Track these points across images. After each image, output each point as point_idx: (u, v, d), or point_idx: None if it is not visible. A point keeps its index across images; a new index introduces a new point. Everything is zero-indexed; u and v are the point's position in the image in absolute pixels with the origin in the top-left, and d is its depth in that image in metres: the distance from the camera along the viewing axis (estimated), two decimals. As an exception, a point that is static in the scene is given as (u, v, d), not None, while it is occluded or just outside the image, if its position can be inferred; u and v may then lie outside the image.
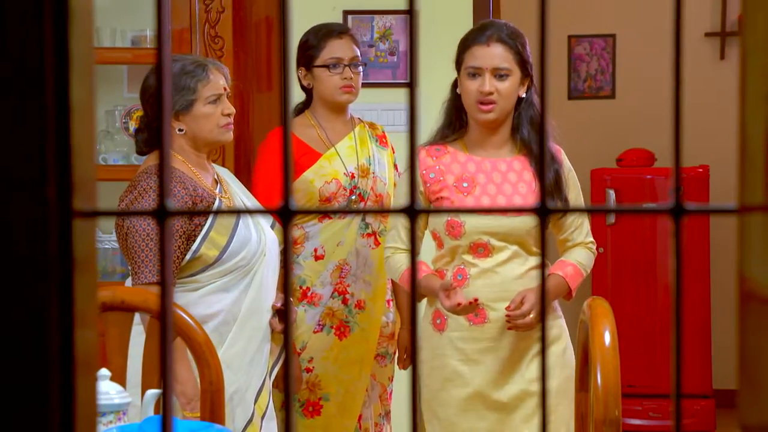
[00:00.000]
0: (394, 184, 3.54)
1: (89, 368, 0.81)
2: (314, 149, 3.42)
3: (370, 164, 3.46)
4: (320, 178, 3.40)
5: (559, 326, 3.07)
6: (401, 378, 3.62)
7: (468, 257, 3.00)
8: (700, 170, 5.60)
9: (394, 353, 3.52)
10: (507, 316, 2.92)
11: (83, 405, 0.80)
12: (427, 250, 3.22)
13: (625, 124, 6.23)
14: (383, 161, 3.50)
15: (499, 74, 3.02)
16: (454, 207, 3.07)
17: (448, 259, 3.04)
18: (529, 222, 2.97)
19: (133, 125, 3.84)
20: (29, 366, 0.79)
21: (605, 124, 6.25)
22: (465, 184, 3.05)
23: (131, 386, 2.49)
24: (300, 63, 3.45)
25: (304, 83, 3.46)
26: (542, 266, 0.85)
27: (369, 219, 3.43)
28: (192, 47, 3.79)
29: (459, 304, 2.90)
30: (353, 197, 3.42)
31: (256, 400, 2.96)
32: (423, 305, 3.10)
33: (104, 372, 2.12)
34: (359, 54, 3.47)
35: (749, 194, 0.79)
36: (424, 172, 3.07)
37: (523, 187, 3.04)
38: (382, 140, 3.55)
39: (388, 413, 3.53)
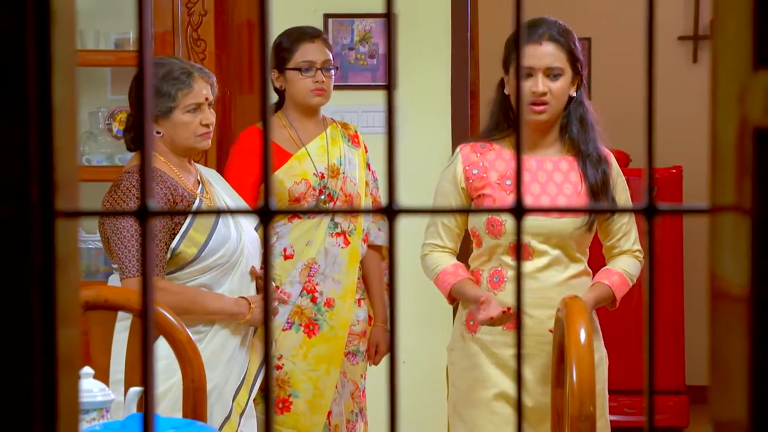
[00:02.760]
0: (366, 183, 3.55)
1: (72, 366, 0.82)
2: (285, 149, 3.45)
3: (340, 164, 3.48)
4: (290, 178, 3.42)
5: (599, 351, 2.93)
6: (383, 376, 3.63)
7: (507, 258, 2.91)
8: (674, 171, 5.63)
9: (367, 351, 3.53)
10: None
11: (66, 402, 0.81)
12: (460, 252, 3.08)
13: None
14: (354, 161, 3.52)
15: (553, 74, 2.91)
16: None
17: (485, 258, 2.95)
18: (571, 224, 2.88)
19: (116, 126, 3.86)
20: (12, 364, 0.79)
21: (581, 126, 6.28)
22: (508, 182, 2.94)
23: (114, 383, 2.49)
24: (273, 65, 3.47)
25: (277, 85, 3.49)
26: (518, 268, 0.86)
27: (338, 218, 3.44)
28: (174, 50, 3.79)
29: (491, 319, 2.80)
30: (322, 197, 3.44)
31: (234, 397, 2.97)
32: (457, 306, 3.01)
33: (87, 370, 2.12)
34: (331, 57, 3.49)
35: (720, 195, 0.81)
36: (467, 168, 2.96)
37: (568, 188, 2.94)
38: (354, 140, 3.56)
39: (361, 410, 3.54)
